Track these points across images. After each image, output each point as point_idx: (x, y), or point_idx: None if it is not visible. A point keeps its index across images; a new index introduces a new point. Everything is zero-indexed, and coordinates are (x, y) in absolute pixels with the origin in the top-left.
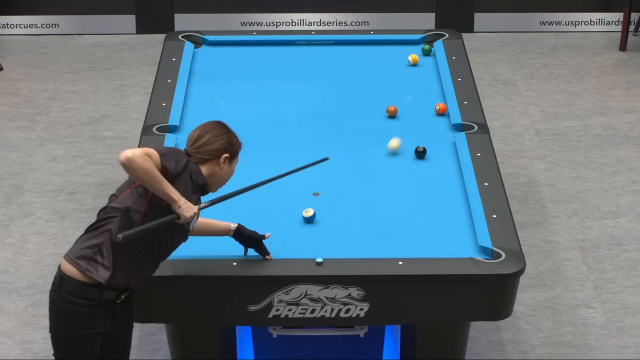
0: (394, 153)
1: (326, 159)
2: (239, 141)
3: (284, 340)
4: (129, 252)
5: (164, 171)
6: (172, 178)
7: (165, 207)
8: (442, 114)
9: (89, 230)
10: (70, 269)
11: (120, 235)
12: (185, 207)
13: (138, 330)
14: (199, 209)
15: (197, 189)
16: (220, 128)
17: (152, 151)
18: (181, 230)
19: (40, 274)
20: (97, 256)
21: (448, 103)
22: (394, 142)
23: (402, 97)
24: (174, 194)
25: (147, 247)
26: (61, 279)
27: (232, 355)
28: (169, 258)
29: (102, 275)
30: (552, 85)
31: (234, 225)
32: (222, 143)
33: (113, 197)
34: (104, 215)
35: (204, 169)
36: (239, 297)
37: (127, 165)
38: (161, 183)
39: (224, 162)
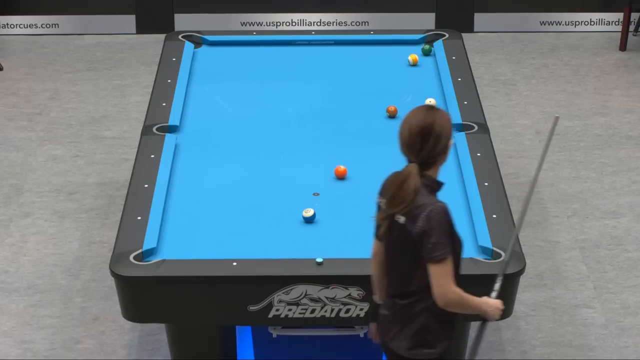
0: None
1: None
2: (448, 115)
3: (284, 340)
4: (455, 317)
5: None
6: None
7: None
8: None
9: (396, 317)
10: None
11: None
12: (493, 311)
13: (138, 330)
14: (501, 301)
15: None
16: (436, 121)
17: (449, 265)
18: None
19: (40, 274)
20: (429, 336)
21: (448, 103)
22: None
23: (402, 97)
24: (481, 305)
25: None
26: None
27: (232, 355)
28: (169, 258)
29: (442, 347)
30: (552, 85)
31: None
32: (446, 136)
33: (400, 285)
34: (406, 300)
35: (435, 169)
36: (239, 297)
37: (447, 307)
38: (470, 306)
39: (449, 147)
